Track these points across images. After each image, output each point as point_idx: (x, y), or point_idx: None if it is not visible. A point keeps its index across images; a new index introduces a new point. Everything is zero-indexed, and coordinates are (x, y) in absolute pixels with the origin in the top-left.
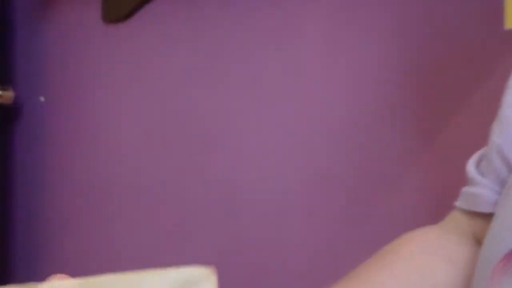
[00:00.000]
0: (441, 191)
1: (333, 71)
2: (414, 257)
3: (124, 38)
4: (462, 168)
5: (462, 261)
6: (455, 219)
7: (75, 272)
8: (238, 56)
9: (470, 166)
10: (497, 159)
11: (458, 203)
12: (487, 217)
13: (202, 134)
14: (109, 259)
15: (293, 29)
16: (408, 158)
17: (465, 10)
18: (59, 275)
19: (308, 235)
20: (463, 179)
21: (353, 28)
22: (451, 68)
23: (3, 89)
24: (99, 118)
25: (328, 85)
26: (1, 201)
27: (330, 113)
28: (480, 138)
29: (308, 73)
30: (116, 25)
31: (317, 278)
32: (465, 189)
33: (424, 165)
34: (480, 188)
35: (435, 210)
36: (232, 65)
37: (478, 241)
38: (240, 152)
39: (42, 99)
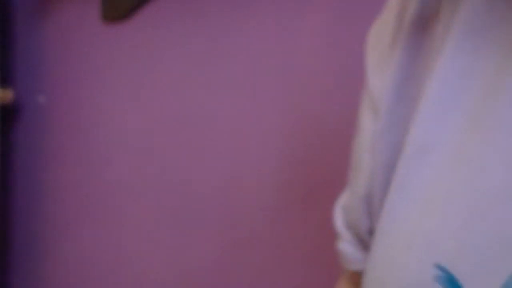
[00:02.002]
0: None
1: (333, 72)
2: None
3: (124, 38)
4: None
5: None
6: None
7: (75, 272)
8: (239, 56)
9: (337, 214)
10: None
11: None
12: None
13: (203, 133)
14: (109, 259)
15: (293, 28)
16: None
17: None
18: None
19: (307, 231)
20: None
21: (353, 23)
22: None
23: (3, 89)
24: (99, 118)
25: (329, 85)
26: (1, 201)
27: (330, 112)
28: None
29: (307, 73)
30: (116, 24)
31: (317, 276)
32: (336, 244)
33: None
34: (345, 244)
35: None
36: (232, 64)
37: None
38: (239, 151)
39: (42, 99)
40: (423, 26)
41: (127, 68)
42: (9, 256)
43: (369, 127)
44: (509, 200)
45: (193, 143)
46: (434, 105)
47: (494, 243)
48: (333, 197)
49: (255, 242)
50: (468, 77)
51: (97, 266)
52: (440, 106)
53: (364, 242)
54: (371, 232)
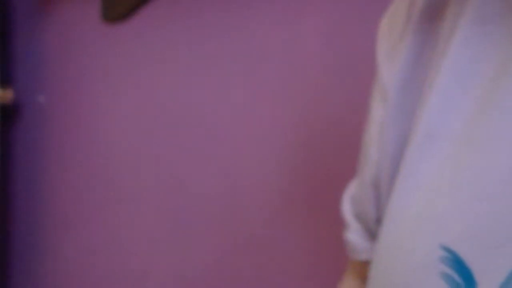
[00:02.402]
0: None
1: (335, 73)
2: None
3: (124, 38)
4: None
5: None
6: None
7: (75, 272)
8: (239, 56)
9: (346, 204)
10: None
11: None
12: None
13: (202, 134)
14: (110, 259)
15: (293, 29)
16: None
17: None
18: None
19: (309, 233)
20: None
21: (355, 24)
22: None
23: (3, 89)
24: (99, 117)
25: (331, 86)
26: (1, 201)
27: (332, 113)
28: None
29: (309, 72)
30: (116, 24)
31: (318, 278)
32: (344, 234)
33: None
34: (354, 234)
35: None
36: (232, 64)
37: None
38: (241, 151)
39: (42, 99)
40: (432, 14)
41: (127, 68)
42: (9, 256)
43: (378, 117)
44: None
45: (193, 144)
46: (443, 92)
47: (501, 227)
48: (335, 199)
49: (255, 244)
50: (478, 64)
51: (97, 266)
52: (449, 93)
53: (372, 232)
54: (378, 221)
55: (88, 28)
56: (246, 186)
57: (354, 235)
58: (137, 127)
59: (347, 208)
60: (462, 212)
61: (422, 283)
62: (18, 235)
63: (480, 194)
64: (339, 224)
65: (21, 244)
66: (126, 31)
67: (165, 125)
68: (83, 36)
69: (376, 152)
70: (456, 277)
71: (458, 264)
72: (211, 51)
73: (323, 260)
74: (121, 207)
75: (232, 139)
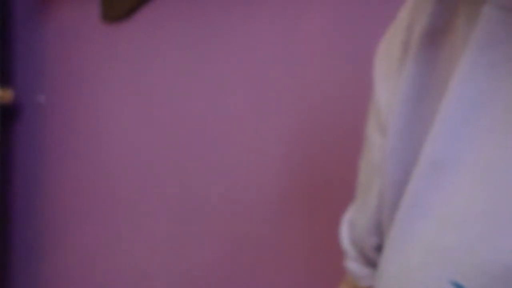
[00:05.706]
0: None
1: (335, 73)
2: None
3: (124, 38)
4: None
5: None
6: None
7: (75, 272)
8: (239, 56)
9: (343, 230)
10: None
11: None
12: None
13: (203, 134)
14: (109, 259)
15: (293, 29)
16: None
17: None
18: None
19: (309, 234)
20: None
21: (356, 25)
22: None
23: (3, 89)
24: (99, 117)
25: (332, 87)
26: (1, 201)
27: (333, 114)
28: None
29: (308, 74)
30: (116, 24)
31: (318, 280)
32: (344, 262)
33: None
34: (353, 263)
35: None
36: (232, 65)
37: None
38: (241, 152)
39: (42, 98)
40: (435, 39)
41: (127, 68)
42: (9, 256)
43: (377, 145)
44: None
45: (193, 143)
46: (450, 121)
47: None
48: (336, 200)
49: (256, 244)
50: (485, 93)
51: (97, 266)
52: (455, 123)
53: (370, 259)
54: (378, 248)
55: (88, 28)
56: (246, 187)
57: (353, 263)
58: (137, 126)
59: (344, 235)
60: (473, 245)
61: None
62: (18, 235)
63: (492, 227)
64: (338, 224)
65: (21, 244)
66: (126, 31)
67: (165, 124)
68: (83, 36)
69: (378, 183)
70: None
71: None
72: (210, 51)
73: (322, 260)
74: (120, 206)
75: (232, 140)
